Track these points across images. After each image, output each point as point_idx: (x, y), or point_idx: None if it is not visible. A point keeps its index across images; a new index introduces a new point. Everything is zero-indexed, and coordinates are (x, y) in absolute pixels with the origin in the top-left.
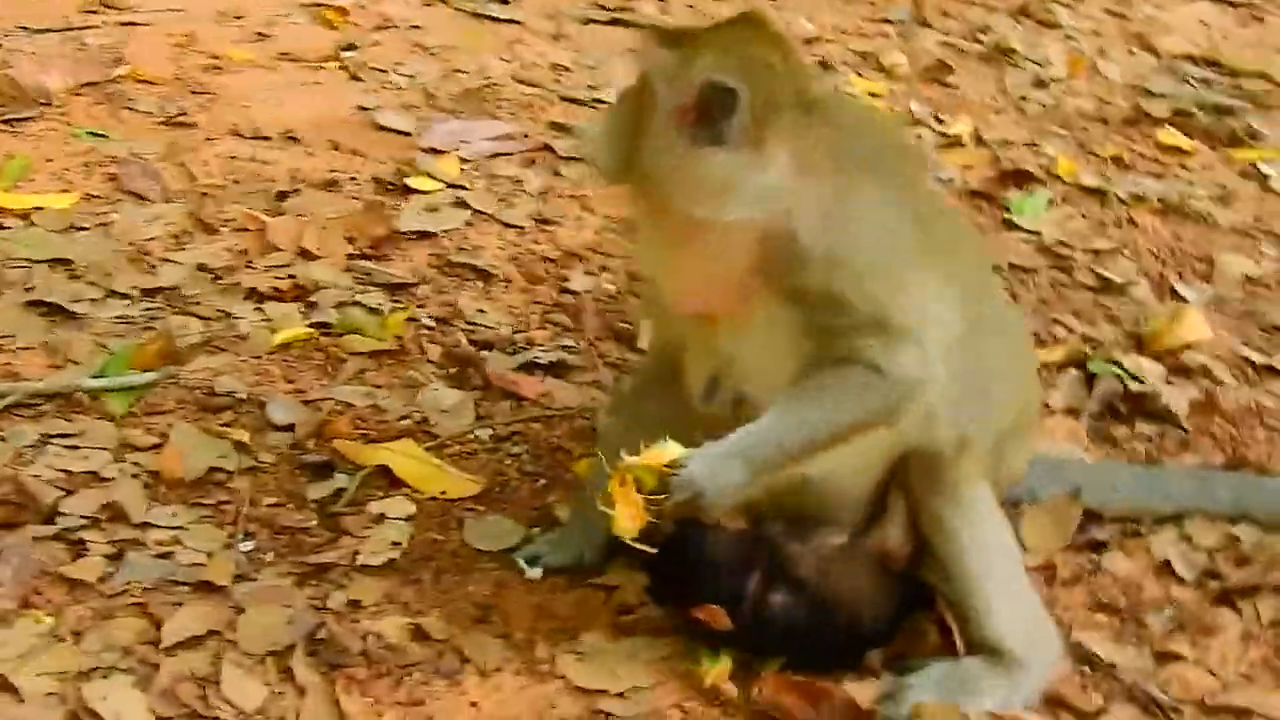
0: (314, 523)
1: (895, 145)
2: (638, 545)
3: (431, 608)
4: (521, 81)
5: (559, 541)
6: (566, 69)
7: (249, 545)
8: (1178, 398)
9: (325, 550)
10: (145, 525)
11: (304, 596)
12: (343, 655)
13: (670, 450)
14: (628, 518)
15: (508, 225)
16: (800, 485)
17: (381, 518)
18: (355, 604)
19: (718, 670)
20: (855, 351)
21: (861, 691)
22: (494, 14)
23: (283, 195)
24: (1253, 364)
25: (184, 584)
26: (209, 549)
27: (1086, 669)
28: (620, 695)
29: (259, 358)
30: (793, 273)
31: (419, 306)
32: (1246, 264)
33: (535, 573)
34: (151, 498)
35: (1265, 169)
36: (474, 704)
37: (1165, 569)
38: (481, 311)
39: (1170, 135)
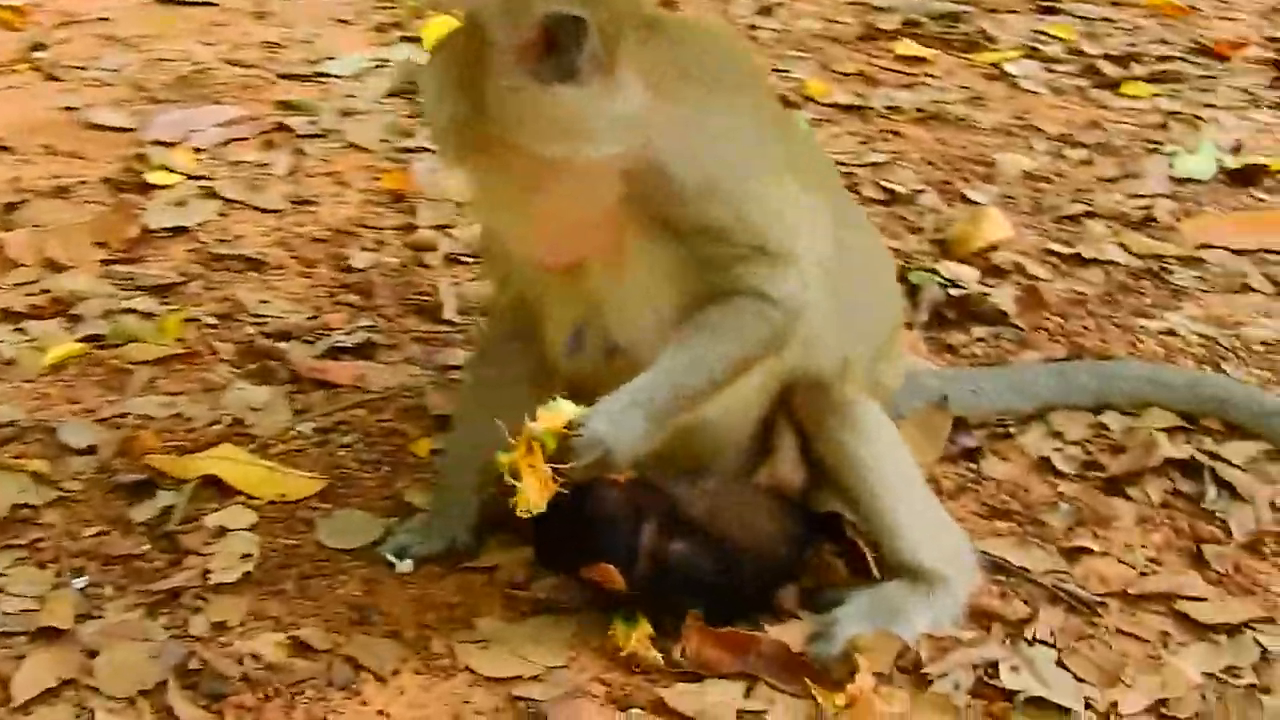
0: (147, 547)
1: (739, 59)
2: (528, 515)
3: (305, 618)
4: (233, 63)
5: (424, 528)
6: (279, 45)
7: (82, 581)
8: (1003, 298)
9: (170, 574)
10: None
11: (160, 627)
12: (222, 683)
13: (565, 410)
14: (536, 490)
15: (264, 210)
16: (687, 430)
17: (223, 531)
18: (221, 626)
19: (636, 635)
20: (738, 280)
21: (787, 634)
22: None
23: (10, 207)
24: (1060, 255)
25: (20, 633)
26: (38, 592)
27: (1001, 577)
28: (535, 679)
29: (32, 381)
30: (665, 206)
31: (194, 305)
32: (1022, 160)
33: (406, 565)
34: None
35: (1010, 69)
36: (382, 713)
37: (1045, 465)
38: (264, 302)
39: (908, 46)
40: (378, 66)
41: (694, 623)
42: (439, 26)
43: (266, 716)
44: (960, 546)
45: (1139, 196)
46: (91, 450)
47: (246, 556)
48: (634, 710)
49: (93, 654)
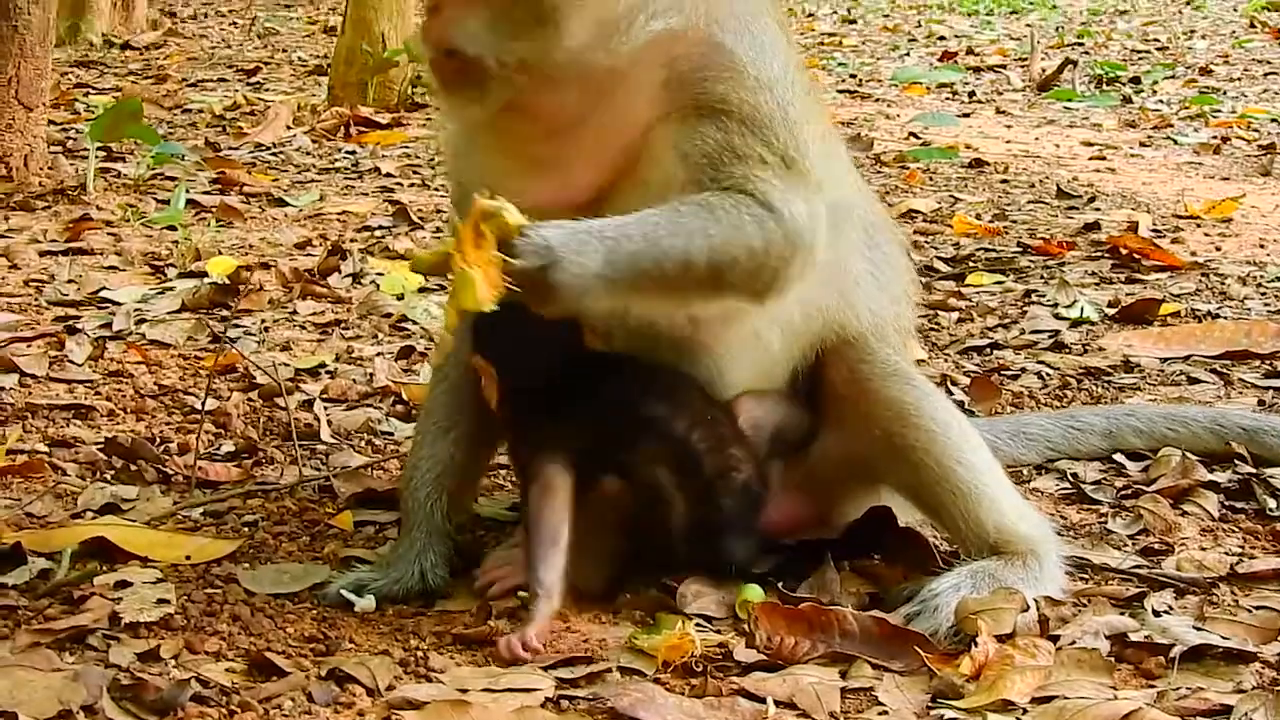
0: (25, 603)
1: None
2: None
3: (255, 649)
4: None
5: (386, 564)
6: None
7: None
8: (954, 390)
9: (64, 618)
10: None
11: (70, 660)
12: (176, 692)
13: (512, 211)
14: (484, 284)
15: (70, 381)
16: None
17: (124, 584)
18: (151, 655)
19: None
20: (747, 181)
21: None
22: None
23: None
24: (986, 371)
25: None
26: None
27: (1085, 575)
28: (597, 674)
29: None
30: (716, 83)
31: (19, 440)
32: None
33: (367, 602)
34: None
35: None
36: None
37: (1078, 496)
38: (104, 433)
39: None
40: (159, 294)
41: (762, 606)
42: (222, 262)
43: None
44: (1039, 513)
45: (1038, 333)
46: None
47: (164, 601)
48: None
49: None
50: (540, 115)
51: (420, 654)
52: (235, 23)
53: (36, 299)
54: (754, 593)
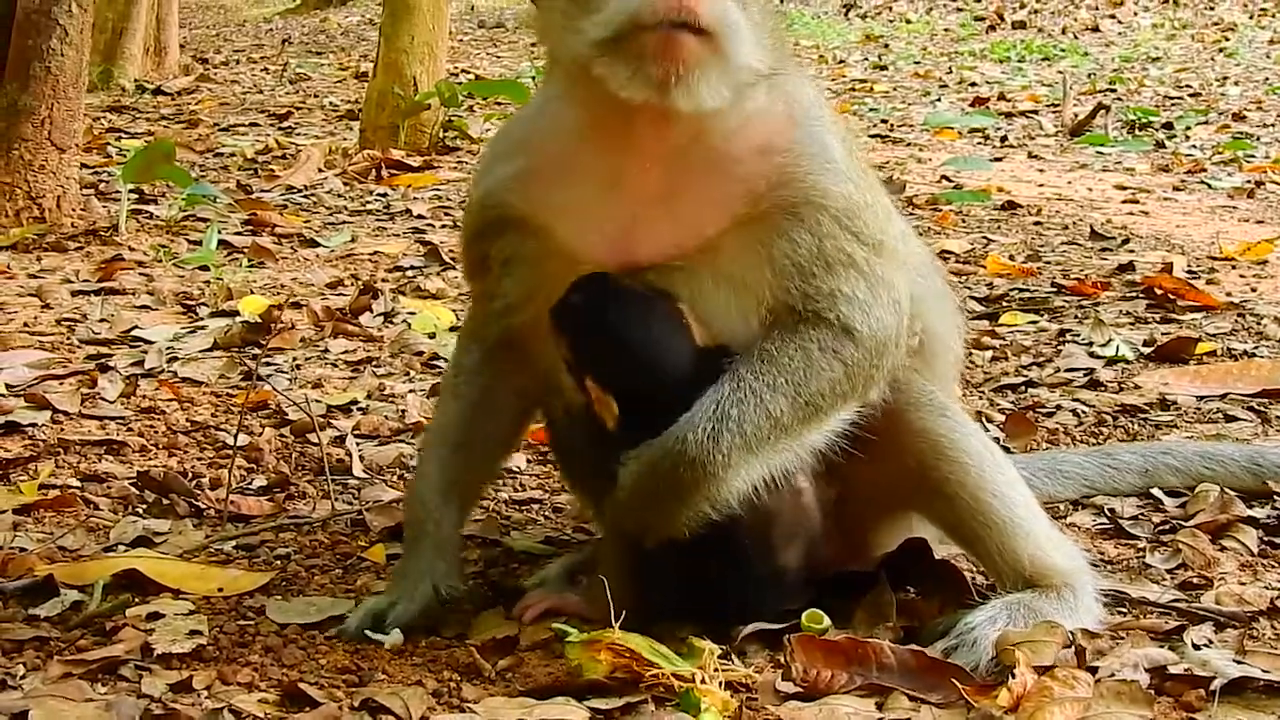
0: (56, 634)
1: None
2: None
3: (288, 680)
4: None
5: (398, 584)
6: (77, 320)
7: None
8: (989, 427)
9: (96, 649)
10: None
11: (102, 691)
12: None
13: None
14: None
15: (102, 418)
16: None
17: (156, 615)
18: (183, 687)
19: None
20: (835, 305)
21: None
22: None
23: None
24: (1020, 409)
25: None
26: None
27: (1123, 609)
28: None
29: None
30: (818, 175)
31: (51, 475)
32: None
33: (395, 638)
34: None
35: None
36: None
37: (1116, 531)
38: (135, 468)
39: None
40: (191, 333)
41: (798, 639)
42: (254, 301)
43: None
44: (1075, 546)
45: (1073, 370)
46: None
47: (195, 633)
48: None
49: (21, 715)
50: (675, 147)
51: (453, 685)
52: (267, 69)
53: (69, 338)
54: (818, 619)
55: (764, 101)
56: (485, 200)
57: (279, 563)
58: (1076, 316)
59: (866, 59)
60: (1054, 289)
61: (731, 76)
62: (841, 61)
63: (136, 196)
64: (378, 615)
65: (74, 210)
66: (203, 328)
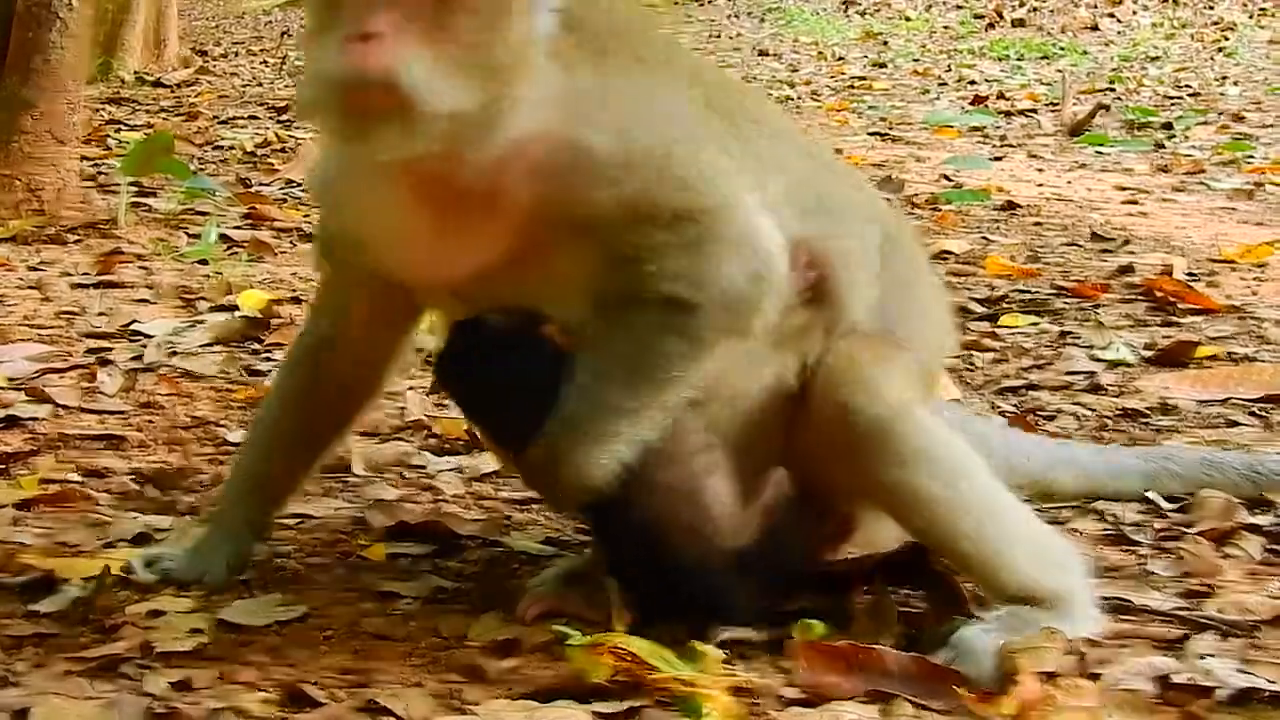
0: (57, 631)
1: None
2: None
3: (291, 679)
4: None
5: (189, 552)
6: (75, 313)
7: None
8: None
9: (97, 646)
10: None
11: (102, 689)
12: None
13: None
14: None
15: (100, 412)
16: None
17: (157, 613)
18: (184, 685)
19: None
20: (660, 286)
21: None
22: None
23: None
24: (1017, 412)
25: None
26: None
27: (1126, 617)
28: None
29: None
30: (583, 189)
31: (51, 470)
32: None
33: (146, 576)
34: None
35: None
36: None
37: (1117, 537)
38: (134, 464)
39: None
40: (191, 327)
41: (801, 644)
42: (254, 296)
43: None
44: (1070, 552)
45: (1074, 374)
46: None
47: (196, 631)
48: None
49: (21, 712)
50: (440, 179)
51: (455, 687)
52: (266, 61)
53: (68, 331)
54: (817, 628)
55: (535, 124)
56: (319, 226)
57: (279, 560)
58: (1077, 319)
59: (865, 56)
60: (1054, 291)
61: (431, 122)
62: (840, 58)
63: (136, 189)
64: (155, 559)
65: (73, 203)
66: (202, 322)
